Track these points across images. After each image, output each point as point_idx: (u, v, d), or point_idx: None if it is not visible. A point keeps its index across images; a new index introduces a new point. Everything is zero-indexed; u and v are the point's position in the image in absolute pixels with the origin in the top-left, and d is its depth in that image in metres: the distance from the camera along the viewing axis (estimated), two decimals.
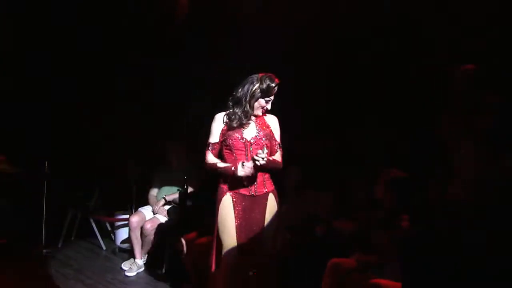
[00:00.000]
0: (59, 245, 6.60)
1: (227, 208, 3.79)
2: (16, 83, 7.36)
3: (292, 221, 4.79)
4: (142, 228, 5.74)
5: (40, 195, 6.49)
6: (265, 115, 3.91)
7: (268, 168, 3.77)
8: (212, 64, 6.02)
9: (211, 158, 3.87)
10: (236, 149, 3.80)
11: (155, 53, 6.56)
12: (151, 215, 5.86)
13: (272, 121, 3.93)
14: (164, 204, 5.85)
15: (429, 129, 4.03)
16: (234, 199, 3.79)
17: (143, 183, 6.57)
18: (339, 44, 5.24)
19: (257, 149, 3.72)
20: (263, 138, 3.81)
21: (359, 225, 4.35)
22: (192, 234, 5.00)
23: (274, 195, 3.89)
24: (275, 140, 3.89)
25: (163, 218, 5.76)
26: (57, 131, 7.37)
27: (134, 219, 5.82)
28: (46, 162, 6.53)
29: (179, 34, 6.28)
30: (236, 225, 3.75)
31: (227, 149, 3.84)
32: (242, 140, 3.80)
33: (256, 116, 3.86)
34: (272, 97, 3.81)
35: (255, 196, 3.81)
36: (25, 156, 7.38)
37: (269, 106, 3.84)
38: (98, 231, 6.70)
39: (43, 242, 6.39)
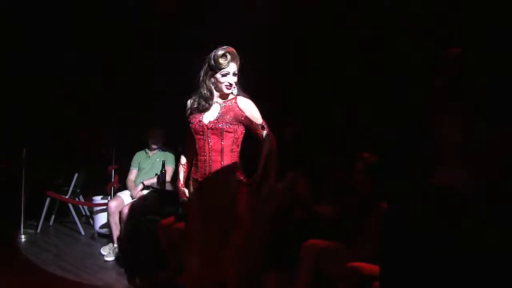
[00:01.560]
0: (38, 231, 6.60)
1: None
2: None
3: (272, 205, 4.83)
4: (120, 213, 5.76)
5: (18, 180, 6.47)
6: (236, 98, 3.59)
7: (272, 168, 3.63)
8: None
9: (182, 160, 3.85)
10: (196, 134, 3.59)
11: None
12: (130, 200, 5.88)
13: (245, 104, 3.58)
14: (143, 189, 5.87)
15: (411, 114, 4.06)
16: None
17: (121, 167, 6.59)
18: (313, 23, 5.24)
19: (213, 134, 3.51)
20: (225, 124, 3.50)
21: (336, 210, 4.41)
22: (170, 219, 5.03)
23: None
24: (255, 123, 3.57)
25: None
26: (35, 115, 7.34)
27: (113, 204, 5.83)
28: (24, 148, 6.49)
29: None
30: None
31: (190, 135, 3.64)
32: (200, 124, 3.56)
33: (224, 99, 3.60)
34: (229, 70, 3.52)
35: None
36: (1, 141, 7.36)
37: (230, 80, 3.54)
38: (77, 216, 6.71)
39: (22, 227, 6.38)
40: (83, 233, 6.63)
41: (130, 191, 5.97)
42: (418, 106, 3.89)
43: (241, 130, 3.59)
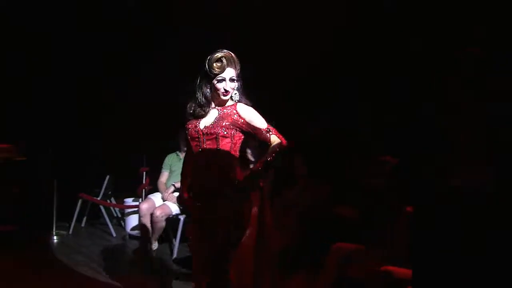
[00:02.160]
0: (70, 232, 6.62)
1: None
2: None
3: (298, 208, 4.78)
4: (152, 215, 5.73)
5: (50, 182, 6.51)
6: (236, 105, 3.42)
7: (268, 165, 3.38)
8: None
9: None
10: (192, 140, 3.44)
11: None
12: (161, 202, 5.85)
13: (245, 111, 3.40)
14: (174, 191, 5.84)
15: (429, 115, 3.97)
16: None
17: (152, 169, 6.58)
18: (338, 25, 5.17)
19: (209, 139, 3.35)
20: (221, 129, 3.33)
21: (360, 212, 4.33)
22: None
23: None
24: (259, 129, 3.38)
25: (172, 205, 5.75)
26: (67, 117, 7.39)
27: (144, 206, 5.81)
28: (50, 149, 6.54)
29: None
30: None
31: (188, 142, 3.51)
32: (196, 129, 3.40)
33: (221, 105, 3.43)
34: (224, 75, 3.36)
35: None
36: (34, 143, 7.43)
37: (226, 86, 3.37)
38: (108, 218, 6.72)
39: (54, 229, 6.41)
40: (114, 234, 6.63)
41: (161, 193, 5.95)
42: (435, 105, 3.81)
43: (238, 135, 3.40)
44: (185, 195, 3.58)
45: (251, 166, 3.56)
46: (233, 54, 3.40)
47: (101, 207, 6.76)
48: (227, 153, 3.37)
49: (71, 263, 5.54)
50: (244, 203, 3.38)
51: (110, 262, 5.58)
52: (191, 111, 3.45)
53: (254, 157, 4.95)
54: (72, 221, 6.68)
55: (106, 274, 5.19)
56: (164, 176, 6.13)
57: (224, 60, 3.35)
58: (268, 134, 3.39)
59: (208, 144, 3.36)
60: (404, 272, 3.56)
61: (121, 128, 7.16)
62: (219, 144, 3.35)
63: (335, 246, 4.07)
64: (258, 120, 3.39)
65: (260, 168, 3.36)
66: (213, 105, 3.45)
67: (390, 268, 3.67)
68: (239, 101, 3.45)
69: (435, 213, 3.33)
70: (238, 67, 3.42)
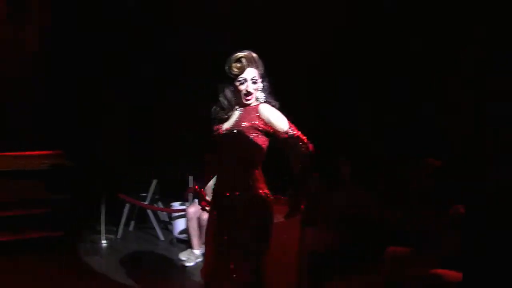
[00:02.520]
0: (118, 236, 6.66)
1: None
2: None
3: (344, 211, 4.69)
4: (198, 218, 5.71)
5: (99, 187, 6.57)
6: (258, 105, 3.24)
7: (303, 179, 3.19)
8: None
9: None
10: (217, 144, 3.30)
11: None
12: None
13: (266, 111, 3.19)
14: None
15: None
16: None
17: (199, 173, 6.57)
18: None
19: (228, 142, 3.20)
20: (237, 131, 3.16)
21: (408, 215, 4.23)
22: None
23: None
24: (278, 132, 3.16)
25: None
26: (114, 124, 7.48)
27: (191, 209, 5.79)
28: (104, 155, 6.61)
29: None
30: None
31: (213, 146, 3.36)
32: (218, 131, 3.28)
33: (244, 106, 3.27)
34: (245, 76, 3.21)
35: None
36: (82, 150, 7.54)
37: (248, 88, 3.22)
38: (156, 222, 6.74)
39: (102, 233, 6.46)
40: (162, 238, 6.64)
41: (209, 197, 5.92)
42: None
43: (261, 139, 3.20)
44: (203, 204, 3.50)
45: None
46: (254, 54, 3.26)
47: (149, 211, 6.78)
48: (243, 158, 3.21)
49: (120, 267, 5.57)
50: (263, 214, 3.22)
51: (158, 265, 5.58)
52: (215, 115, 3.34)
53: None
54: (120, 225, 6.71)
55: (153, 277, 5.21)
56: (212, 181, 6.09)
57: (243, 61, 3.21)
58: (288, 138, 3.15)
59: (226, 148, 3.24)
60: (454, 275, 3.50)
61: (167, 132, 7.18)
62: (237, 148, 3.20)
63: (388, 250, 4.01)
64: (278, 122, 3.17)
65: (297, 196, 3.17)
66: (237, 107, 3.32)
67: (440, 271, 3.61)
68: (264, 101, 3.28)
69: (486, 214, 3.21)
70: (261, 67, 3.27)
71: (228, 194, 3.21)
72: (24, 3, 8.82)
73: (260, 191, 3.19)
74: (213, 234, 3.29)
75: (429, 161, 4.12)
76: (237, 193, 3.19)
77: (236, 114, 3.28)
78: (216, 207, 3.32)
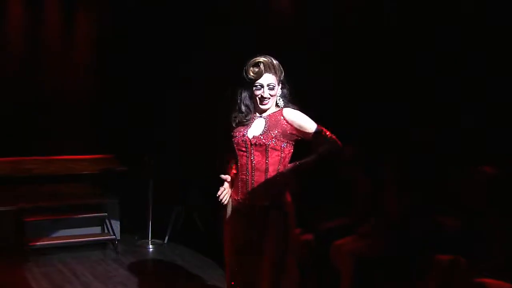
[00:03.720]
0: (165, 241, 6.69)
1: None
2: None
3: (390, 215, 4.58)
4: None
5: (147, 191, 6.63)
6: (282, 110, 3.24)
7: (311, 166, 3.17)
8: None
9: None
10: (238, 149, 3.23)
11: None
12: None
13: (291, 115, 3.20)
14: None
15: None
16: None
17: None
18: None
19: (258, 150, 3.15)
20: (271, 140, 3.14)
21: (463, 222, 4.09)
22: (296, 230, 4.87)
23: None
24: (309, 132, 3.17)
25: None
26: (166, 128, 7.54)
27: None
28: (151, 160, 6.66)
29: None
30: None
31: (232, 150, 3.30)
32: (244, 138, 3.20)
33: (265, 112, 3.26)
34: (262, 81, 3.17)
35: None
36: (131, 153, 7.64)
37: (265, 94, 3.18)
38: (204, 227, 6.75)
39: (150, 237, 6.52)
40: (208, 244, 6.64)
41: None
42: None
43: (289, 149, 3.20)
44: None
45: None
46: (273, 60, 3.22)
47: (195, 215, 6.81)
48: (275, 169, 3.17)
49: (167, 271, 5.65)
50: (288, 224, 3.20)
51: (205, 270, 5.58)
52: (234, 120, 3.29)
53: None
54: (168, 230, 6.75)
55: (201, 282, 5.23)
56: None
57: (261, 66, 3.18)
58: (320, 136, 3.17)
59: (256, 156, 3.17)
60: (501, 285, 3.39)
61: (201, 133, 7.13)
62: (268, 157, 3.16)
63: (438, 258, 3.86)
64: (307, 122, 3.18)
65: (307, 163, 3.15)
66: (257, 114, 3.29)
67: (486, 280, 3.47)
68: (284, 106, 3.26)
69: None
70: (280, 73, 3.23)
71: (253, 203, 3.19)
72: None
73: (285, 200, 3.19)
74: (236, 245, 3.25)
75: (483, 169, 3.97)
76: (263, 202, 3.16)
77: (261, 121, 3.24)
78: (239, 216, 3.26)
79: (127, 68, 8.29)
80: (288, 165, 3.20)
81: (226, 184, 3.30)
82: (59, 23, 9.11)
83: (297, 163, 3.18)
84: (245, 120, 3.26)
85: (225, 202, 3.27)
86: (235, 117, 3.29)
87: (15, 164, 8.46)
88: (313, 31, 5.38)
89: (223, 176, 3.30)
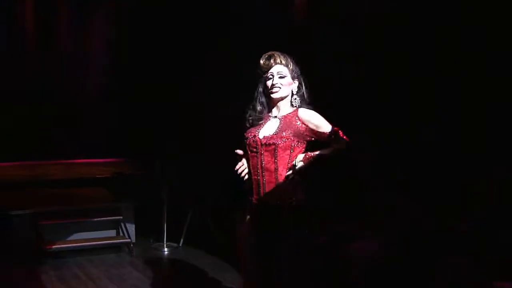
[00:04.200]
0: (180, 244, 6.70)
1: None
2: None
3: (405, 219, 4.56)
4: None
5: (161, 194, 6.64)
6: (297, 110, 3.24)
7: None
8: None
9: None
10: (250, 150, 3.25)
11: None
12: None
13: (306, 115, 3.20)
14: None
15: None
16: None
17: None
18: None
19: (267, 150, 3.16)
20: (281, 140, 3.14)
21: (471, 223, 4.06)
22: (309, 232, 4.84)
23: None
24: (323, 133, 3.16)
25: None
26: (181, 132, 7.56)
27: None
28: (162, 162, 6.69)
29: None
30: None
31: (244, 152, 3.32)
32: (255, 139, 3.21)
33: (275, 103, 3.28)
34: (272, 71, 3.22)
35: None
36: (146, 157, 7.66)
37: (275, 81, 3.21)
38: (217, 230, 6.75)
39: (165, 240, 6.53)
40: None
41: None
42: None
43: (300, 149, 3.19)
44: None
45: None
46: (286, 55, 3.28)
47: (209, 219, 6.81)
48: (285, 169, 3.17)
49: (182, 274, 5.67)
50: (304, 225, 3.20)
51: (220, 273, 5.57)
52: (248, 120, 3.33)
53: None
54: (182, 233, 6.75)
55: (215, 285, 5.24)
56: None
57: (272, 57, 3.25)
58: (335, 138, 3.18)
59: (266, 156, 3.18)
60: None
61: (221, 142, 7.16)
62: (277, 156, 3.15)
63: (446, 260, 3.86)
64: (321, 123, 3.18)
65: (319, 155, 3.16)
66: (272, 113, 3.31)
67: (504, 284, 3.48)
68: (300, 106, 3.27)
69: None
70: (292, 67, 3.27)
71: (266, 202, 3.20)
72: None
73: (298, 200, 3.18)
74: (251, 246, 3.26)
75: (497, 169, 3.93)
76: (276, 202, 3.17)
77: (275, 122, 3.25)
78: (253, 217, 3.27)
79: (144, 71, 8.35)
80: (300, 155, 3.18)
81: (243, 160, 3.34)
82: (74, 24, 9.23)
83: (309, 154, 3.18)
84: (258, 120, 3.29)
85: (245, 176, 3.31)
86: (250, 116, 3.32)
87: (32, 168, 8.57)
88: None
89: (238, 151, 3.35)
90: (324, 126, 3.18)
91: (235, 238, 5.63)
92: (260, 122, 3.29)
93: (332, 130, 3.18)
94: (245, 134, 3.31)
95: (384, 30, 5.05)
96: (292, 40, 5.53)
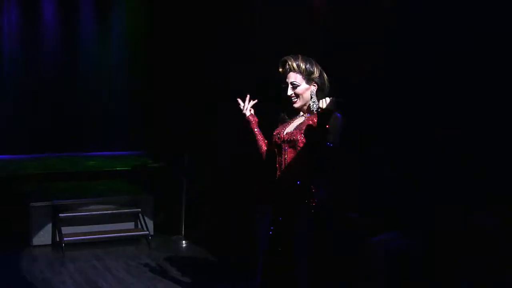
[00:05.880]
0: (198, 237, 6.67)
1: None
2: None
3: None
4: None
5: (181, 188, 6.63)
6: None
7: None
8: None
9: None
10: (276, 147, 3.25)
11: None
12: None
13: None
14: None
15: None
16: None
17: None
18: None
19: (290, 147, 3.14)
20: (301, 136, 3.10)
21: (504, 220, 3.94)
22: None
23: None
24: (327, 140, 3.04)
25: None
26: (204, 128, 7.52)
27: None
28: (185, 156, 6.67)
29: None
30: None
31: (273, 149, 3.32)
32: (279, 136, 3.22)
33: (305, 110, 3.24)
34: (288, 80, 3.19)
35: None
36: (167, 151, 7.66)
37: (289, 92, 3.18)
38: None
39: (183, 234, 6.52)
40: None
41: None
42: None
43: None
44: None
45: None
46: (301, 59, 3.19)
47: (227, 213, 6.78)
48: (304, 167, 3.12)
49: (199, 267, 5.66)
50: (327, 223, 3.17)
51: (236, 266, 5.56)
52: (279, 119, 3.35)
53: None
54: (200, 226, 6.74)
55: (234, 279, 5.24)
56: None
57: (286, 64, 3.20)
58: (327, 153, 3.03)
59: (289, 152, 3.17)
60: None
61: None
62: (298, 153, 3.13)
63: (464, 260, 3.81)
64: (334, 132, 3.00)
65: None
66: (301, 112, 3.28)
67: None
68: (317, 110, 3.13)
69: None
70: (306, 71, 3.17)
71: (291, 202, 3.14)
72: None
73: (319, 201, 3.12)
74: (269, 242, 3.21)
75: None
76: (302, 201, 3.11)
77: (300, 120, 3.25)
78: (277, 216, 3.21)
79: (167, 67, 8.34)
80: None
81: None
82: (95, 23, 9.29)
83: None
84: (287, 118, 3.30)
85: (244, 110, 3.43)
86: (281, 115, 3.34)
87: (52, 160, 8.64)
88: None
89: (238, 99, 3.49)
90: (334, 136, 3.02)
91: (255, 236, 5.64)
92: (288, 119, 3.30)
93: (333, 146, 3.01)
94: (274, 132, 3.31)
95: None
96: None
